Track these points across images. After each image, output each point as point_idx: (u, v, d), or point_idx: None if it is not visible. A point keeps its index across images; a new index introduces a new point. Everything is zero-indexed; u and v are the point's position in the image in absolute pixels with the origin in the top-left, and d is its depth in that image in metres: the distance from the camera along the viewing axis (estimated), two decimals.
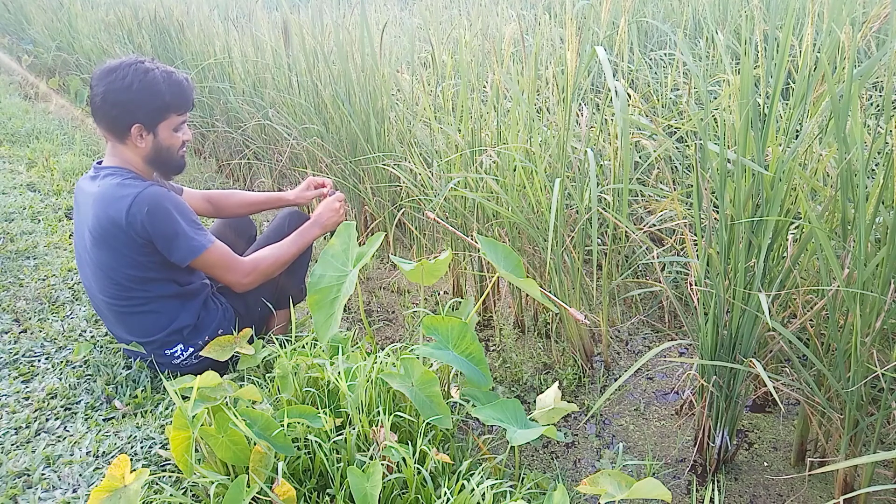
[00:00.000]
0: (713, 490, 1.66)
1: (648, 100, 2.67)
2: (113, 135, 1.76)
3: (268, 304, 1.98)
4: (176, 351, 1.83)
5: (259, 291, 1.94)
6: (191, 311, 1.84)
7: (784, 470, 1.72)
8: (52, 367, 1.90)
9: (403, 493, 1.36)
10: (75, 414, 1.70)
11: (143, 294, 1.77)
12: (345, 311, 2.47)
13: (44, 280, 2.44)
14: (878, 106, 2.15)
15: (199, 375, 1.38)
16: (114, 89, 1.69)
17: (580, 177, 1.98)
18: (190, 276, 1.85)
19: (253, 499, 1.27)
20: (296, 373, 1.59)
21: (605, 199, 2.04)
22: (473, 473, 1.39)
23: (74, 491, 1.43)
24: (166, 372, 1.85)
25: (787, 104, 1.63)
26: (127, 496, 1.18)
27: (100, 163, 1.81)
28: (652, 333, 2.35)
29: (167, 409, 1.71)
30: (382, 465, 1.30)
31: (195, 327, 1.84)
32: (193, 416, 1.29)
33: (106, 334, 2.07)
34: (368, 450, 1.40)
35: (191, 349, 1.83)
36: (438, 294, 2.71)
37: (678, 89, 2.60)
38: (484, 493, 1.32)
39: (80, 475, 1.47)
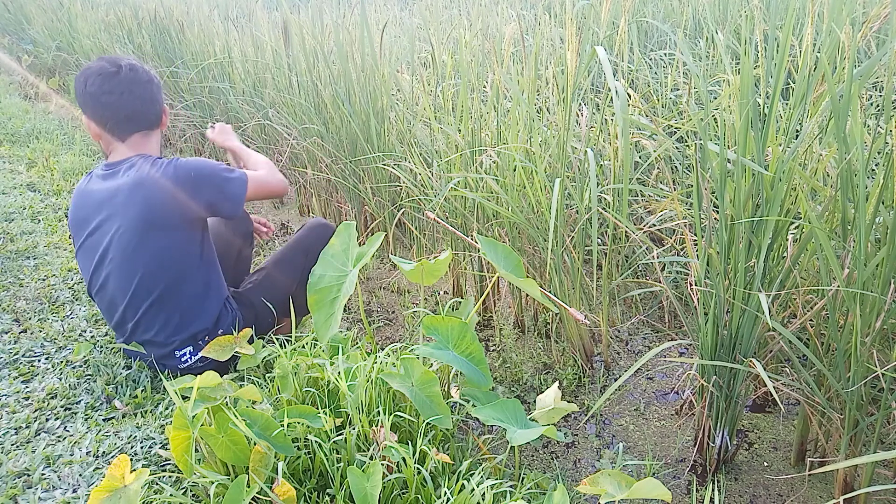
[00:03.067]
0: (713, 490, 1.66)
1: (648, 100, 2.67)
2: (147, 127, 1.84)
3: (271, 307, 1.98)
4: (185, 354, 1.83)
5: (272, 301, 1.97)
6: (210, 315, 1.85)
7: (784, 470, 1.72)
8: (52, 367, 1.90)
9: (403, 493, 1.36)
10: (75, 414, 1.70)
11: (176, 286, 1.79)
12: (345, 311, 2.46)
13: (44, 280, 2.44)
14: (878, 106, 2.15)
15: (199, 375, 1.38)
16: (142, 82, 1.80)
17: (580, 177, 1.98)
18: (212, 271, 1.87)
19: (253, 499, 1.27)
20: (296, 373, 1.59)
21: (605, 199, 2.04)
22: (473, 473, 1.39)
23: (74, 491, 1.43)
24: (166, 372, 1.85)
25: (787, 104, 1.63)
26: (127, 496, 1.18)
27: (107, 164, 1.82)
28: (652, 333, 2.35)
29: (167, 409, 1.71)
30: (382, 465, 1.30)
31: (211, 333, 1.85)
32: (193, 416, 1.29)
33: (106, 334, 2.07)
34: (368, 450, 1.40)
35: (199, 353, 1.84)
36: (438, 294, 2.71)
37: (678, 89, 2.60)
38: (484, 493, 1.32)
39: (80, 475, 1.47)
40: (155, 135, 1.88)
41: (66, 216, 3.09)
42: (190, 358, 1.84)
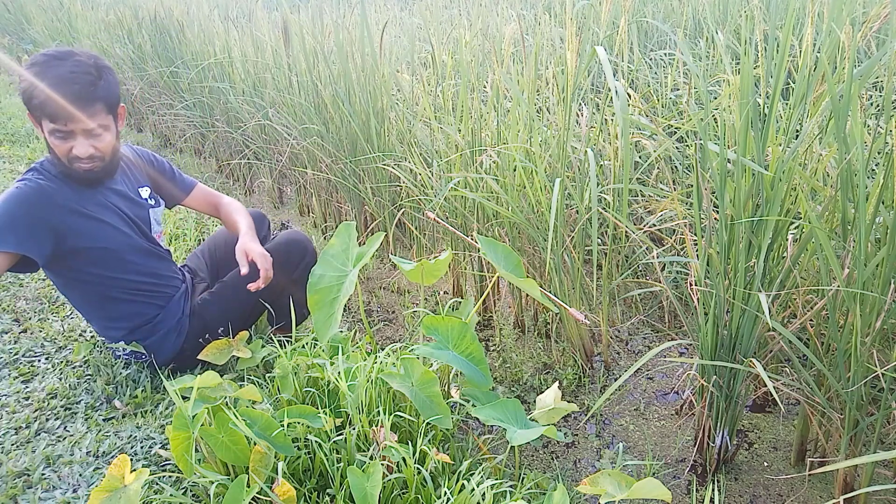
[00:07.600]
0: (713, 490, 1.66)
1: (648, 100, 2.67)
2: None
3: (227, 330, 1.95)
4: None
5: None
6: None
7: (784, 470, 1.72)
8: (52, 367, 1.90)
9: (403, 493, 1.36)
10: (75, 414, 1.70)
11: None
12: (345, 311, 2.46)
13: (44, 280, 2.43)
14: (878, 106, 2.15)
15: (198, 376, 1.38)
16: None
17: (580, 177, 1.98)
18: None
19: (253, 499, 1.27)
20: (296, 373, 1.59)
21: (605, 199, 2.04)
22: (473, 473, 1.39)
23: (74, 491, 1.43)
24: (165, 371, 1.85)
25: (787, 104, 1.63)
26: (127, 496, 1.18)
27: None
28: (652, 333, 2.35)
29: (167, 409, 1.71)
30: (382, 465, 1.30)
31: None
32: (193, 416, 1.29)
33: None
34: (368, 450, 1.40)
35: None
36: (438, 294, 2.71)
37: (678, 89, 2.60)
38: (484, 493, 1.33)
39: (80, 475, 1.47)
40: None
41: None
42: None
